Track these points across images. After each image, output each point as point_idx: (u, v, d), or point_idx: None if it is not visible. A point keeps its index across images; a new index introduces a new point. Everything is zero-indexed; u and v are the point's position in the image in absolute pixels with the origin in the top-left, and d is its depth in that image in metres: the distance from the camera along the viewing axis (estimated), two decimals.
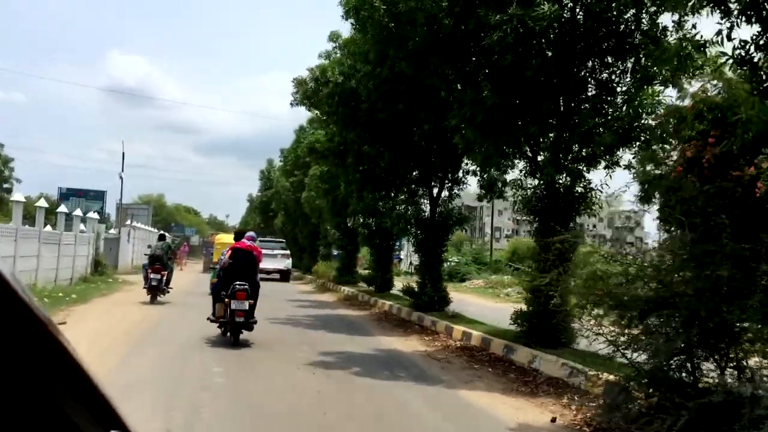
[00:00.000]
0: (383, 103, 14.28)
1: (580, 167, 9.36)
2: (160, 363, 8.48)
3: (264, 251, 32.07)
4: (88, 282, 23.40)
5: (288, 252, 34.27)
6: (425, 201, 16.83)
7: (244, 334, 10.68)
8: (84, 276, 24.06)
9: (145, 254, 18.72)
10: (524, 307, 10.06)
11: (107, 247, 30.07)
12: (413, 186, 17.77)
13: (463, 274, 37.52)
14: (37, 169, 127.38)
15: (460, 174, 15.54)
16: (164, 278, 17.54)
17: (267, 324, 13.83)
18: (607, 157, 9.23)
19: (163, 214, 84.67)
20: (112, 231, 33.89)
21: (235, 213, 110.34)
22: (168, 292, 18.14)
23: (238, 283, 10.45)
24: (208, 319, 11.41)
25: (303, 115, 37.03)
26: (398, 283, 21.82)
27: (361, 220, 25.30)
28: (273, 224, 51.21)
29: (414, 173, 15.81)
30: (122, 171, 34.12)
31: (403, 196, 21.46)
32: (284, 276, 32.60)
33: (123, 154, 34.15)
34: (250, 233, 11.70)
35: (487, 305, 21.40)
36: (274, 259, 32.07)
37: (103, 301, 17.55)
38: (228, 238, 25.27)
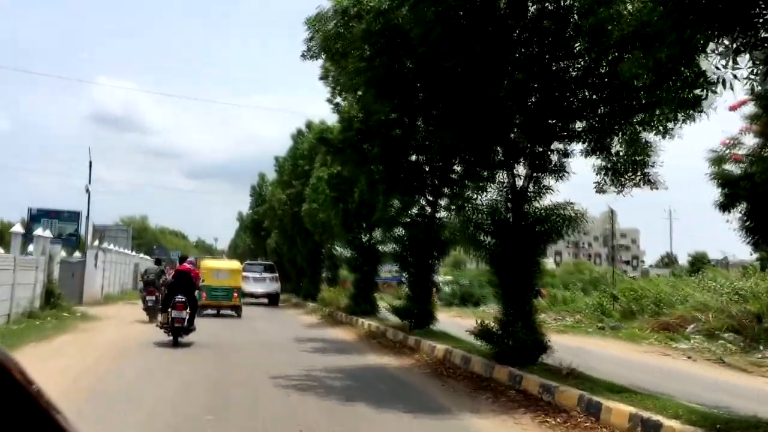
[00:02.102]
0: (449, 45, 9.22)
1: None
2: None
3: (251, 275, 29.87)
4: (33, 318, 18.11)
5: (276, 275, 32.42)
6: (480, 198, 11.71)
7: None
8: (30, 310, 18.77)
9: (140, 280, 21.54)
10: None
11: (68, 272, 24.75)
12: (466, 181, 12.77)
13: (477, 298, 32.97)
14: (16, 193, 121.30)
15: (555, 157, 10.40)
16: (158, 299, 18.75)
17: (273, 390, 8.64)
18: None
19: (147, 236, 78.94)
20: (76, 254, 28.48)
21: (224, 236, 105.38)
22: None
23: (177, 297, 13.23)
24: (156, 325, 14.34)
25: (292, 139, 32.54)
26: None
27: (380, 235, 20.35)
28: (266, 244, 45.81)
29: (496, 155, 10.48)
30: (89, 183, 28.52)
31: (443, 201, 16.51)
32: (273, 300, 31.15)
33: (90, 162, 28.61)
34: (190, 258, 16.27)
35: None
36: (263, 282, 31.10)
37: (36, 351, 12.22)
38: (214, 263, 25.11)
